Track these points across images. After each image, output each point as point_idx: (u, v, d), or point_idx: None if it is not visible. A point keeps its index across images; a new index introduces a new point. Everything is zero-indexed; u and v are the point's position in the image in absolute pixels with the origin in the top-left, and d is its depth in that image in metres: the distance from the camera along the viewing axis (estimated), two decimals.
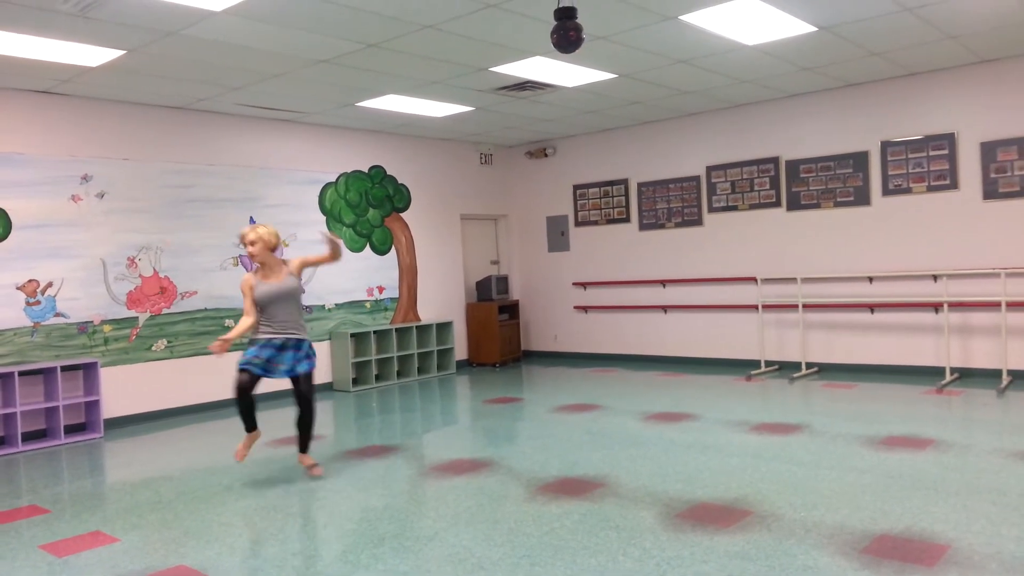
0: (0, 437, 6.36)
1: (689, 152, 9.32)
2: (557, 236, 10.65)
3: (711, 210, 9.17)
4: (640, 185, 9.77)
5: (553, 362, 10.32)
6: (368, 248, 9.29)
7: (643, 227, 9.76)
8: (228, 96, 7.22)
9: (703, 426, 5.98)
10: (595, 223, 10.23)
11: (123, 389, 7.06)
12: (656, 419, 6.31)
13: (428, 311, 9.93)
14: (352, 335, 8.77)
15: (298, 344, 4.97)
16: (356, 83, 6.97)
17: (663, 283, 9.57)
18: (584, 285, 10.34)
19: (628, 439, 5.67)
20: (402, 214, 9.69)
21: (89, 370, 6.78)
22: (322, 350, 8.76)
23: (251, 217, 8.15)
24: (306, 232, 8.64)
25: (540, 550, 3.55)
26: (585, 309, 10.35)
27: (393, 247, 9.57)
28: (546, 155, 10.62)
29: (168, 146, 7.54)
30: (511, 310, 10.48)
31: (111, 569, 3.60)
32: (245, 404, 4.90)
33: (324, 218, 8.83)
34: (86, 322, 6.92)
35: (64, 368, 6.65)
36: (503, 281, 10.49)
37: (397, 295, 9.60)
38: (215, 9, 4.94)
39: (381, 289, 9.43)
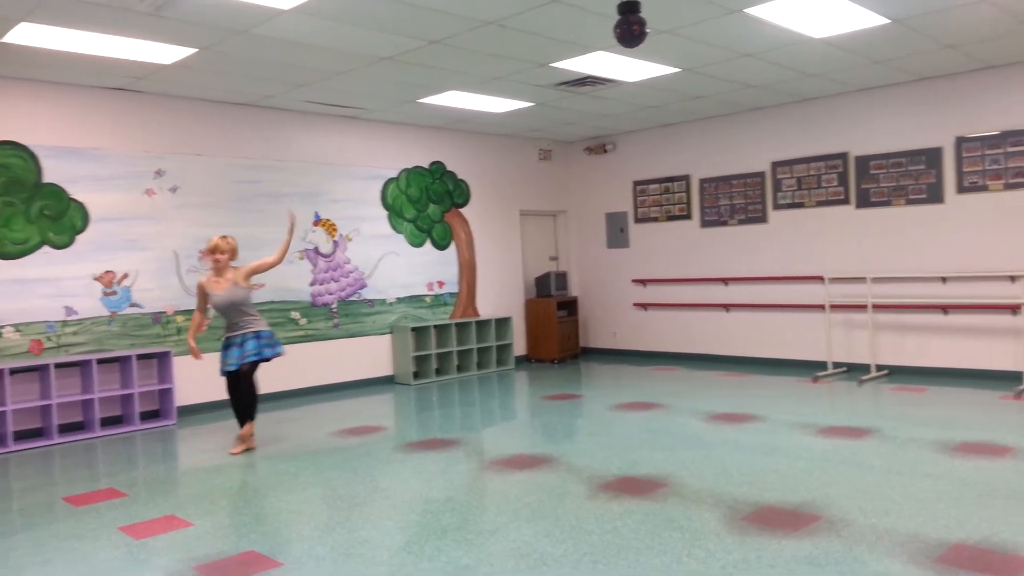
0: (79, 422, 6.64)
1: (753, 147, 9.14)
2: (616, 232, 10.58)
3: (776, 207, 8.98)
4: (702, 181, 9.62)
5: (612, 359, 10.27)
6: (428, 243, 9.38)
7: (705, 224, 9.62)
8: (294, 93, 7.37)
9: (768, 428, 5.87)
10: (655, 220, 10.13)
11: (194, 378, 7.29)
12: (719, 419, 6.22)
13: (487, 306, 9.98)
14: (413, 329, 8.87)
15: (257, 334, 5.77)
16: (418, 80, 7.04)
17: (725, 281, 9.42)
18: (644, 282, 10.25)
19: (690, 439, 5.61)
20: (462, 210, 9.75)
21: (163, 359, 7.02)
22: (383, 343, 8.89)
23: (316, 212, 8.32)
24: (369, 227, 8.77)
25: (602, 548, 3.54)
26: (645, 306, 10.26)
27: (453, 242, 9.64)
28: (605, 151, 10.55)
29: (237, 142, 7.74)
30: (570, 306, 10.45)
31: (186, 552, 3.72)
32: (236, 402, 5.78)
33: (386, 213, 8.95)
34: (160, 312, 7.16)
35: (139, 356, 6.90)
36: (562, 277, 10.47)
37: (457, 290, 9.67)
38: (283, 8, 5.05)
39: (441, 284, 9.51)
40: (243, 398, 5.78)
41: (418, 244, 9.28)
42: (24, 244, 6.42)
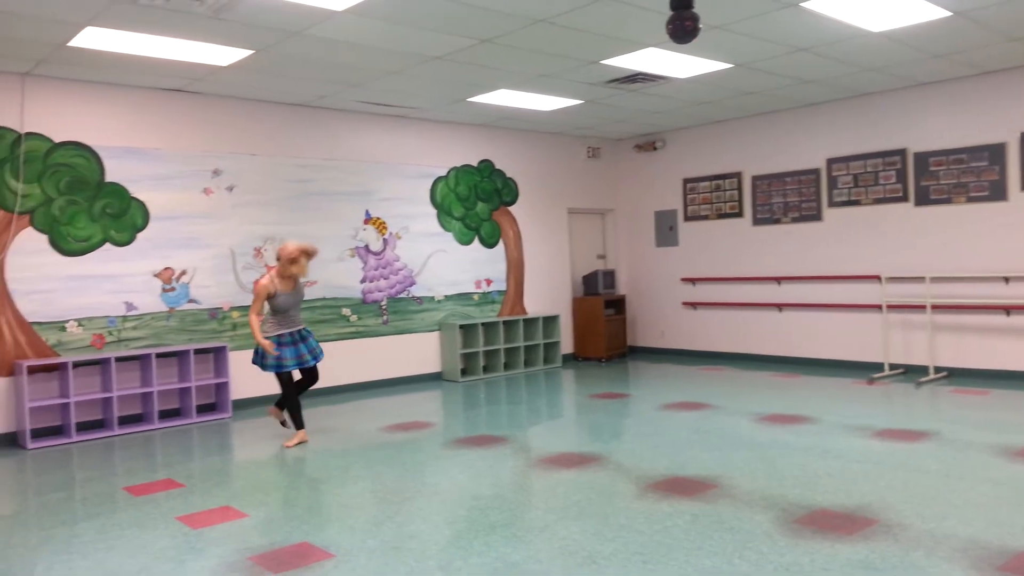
0: (139, 414, 6.85)
1: (808, 144, 8.96)
2: (665, 231, 10.48)
3: (831, 204, 8.79)
4: (755, 179, 9.47)
5: (660, 358, 10.18)
6: (477, 241, 9.43)
7: (757, 222, 9.47)
8: (347, 93, 7.48)
9: (822, 430, 5.76)
10: (705, 218, 10.00)
11: (249, 372, 7.44)
12: (771, 421, 6.13)
13: (535, 304, 9.98)
14: (461, 327, 8.93)
15: (305, 333, 5.98)
16: (468, 78, 7.08)
17: (778, 280, 9.26)
18: (693, 281, 10.13)
19: (741, 440, 5.53)
20: (510, 208, 9.77)
21: (219, 354, 7.20)
22: (431, 340, 8.96)
23: (367, 211, 8.42)
24: (418, 225, 8.85)
25: (652, 548, 3.52)
26: (694, 305, 10.15)
27: (501, 240, 9.67)
28: (655, 148, 10.46)
29: (291, 142, 7.89)
30: (617, 305, 10.39)
31: (241, 542, 3.81)
32: (288, 395, 5.92)
33: (435, 211, 9.02)
34: (216, 308, 7.34)
35: (196, 351, 7.08)
36: (609, 275, 10.42)
37: (504, 288, 9.70)
38: (337, 9, 5.12)
39: (489, 282, 9.55)
40: (298, 392, 5.94)
41: (466, 242, 9.33)
42: (87, 241, 6.65)
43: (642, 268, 10.80)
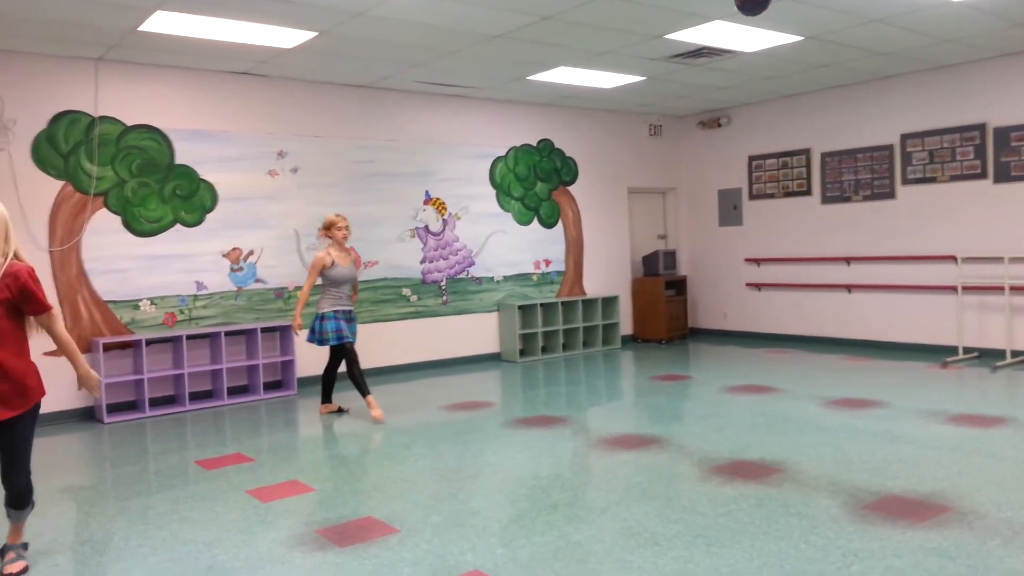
0: (209, 391, 7.06)
1: (881, 119, 8.63)
2: (729, 210, 10.26)
3: (905, 182, 8.46)
4: (824, 155, 9.18)
5: (722, 341, 10.01)
6: (536, 221, 9.39)
7: (826, 200, 9.19)
8: (408, 74, 7.50)
9: (892, 414, 5.58)
10: (771, 196, 9.75)
11: (313, 351, 7.60)
12: (838, 405, 5.96)
13: (594, 285, 9.92)
14: (519, 307, 8.93)
15: (352, 316, 6.18)
16: (529, 56, 7.02)
17: (847, 260, 8.98)
18: (758, 261, 9.91)
19: (807, 424, 5.40)
20: (569, 187, 9.70)
21: (284, 332, 7.36)
22: (490, 321, 9.00)
23: (426, 191, 8.47)
24: (477, 205, 8.86)
25: (716, 531, 3.47)
26: (758, 286, 9.93)
27: (560, 220, 9.62)
28: (720, 125, 10.22)
29: (353, 123, 7.97)
30: (678, 286, 10.25)
31: (308, 516, 3.90)
32: (330, 373, 6.30)
33: (494, 192, 9.01)
34: (281, 288, 7.50)
35: (263, 330, 7.26)
36: (670, 256, 10.27)
37: (563, 268, 9.65)
38: None
39: (548, 262, 9.51)
40: (356, 370, 6.05)
41: (525, 222, 9.31)
42: (159, 222, 6.85)
43: (704, 248, 10.61)
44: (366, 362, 7.97)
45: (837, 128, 9.02)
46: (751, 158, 9.94)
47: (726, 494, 3.96)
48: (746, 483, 4.13)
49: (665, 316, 9.93)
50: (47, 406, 6.31)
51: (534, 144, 9.38)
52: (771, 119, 9.68)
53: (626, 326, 10.17)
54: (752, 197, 9.97)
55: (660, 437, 5.17)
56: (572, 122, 9.69)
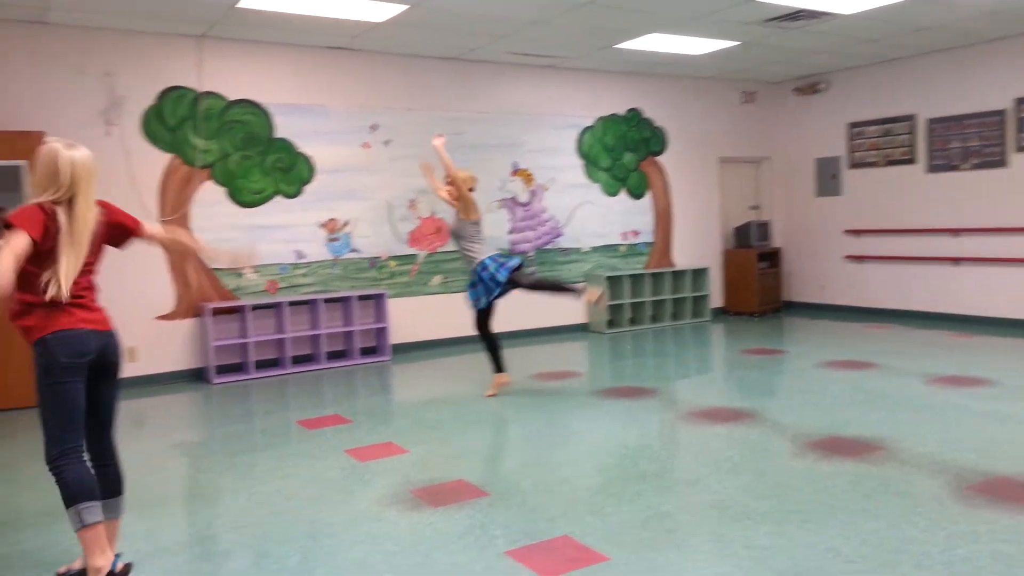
0: (308, 355, 7.36)
1: (992, 83, 8.10)
2: (827, 179, 9.88)
3: (1019, 149, 7.94)
4: (930, 122, 8.70)
5: (818, 314, 9.71)
6: (624, 192, 9.29)
7: (932, 169, 8.73)
8: (496, 44, 7.50)
9: (1002, 393, 5.31)
10: (872, 164, 9.33)
11: (405, 318, 7.81)
12: (943, 382, 5.72)
13: (683, 257, 9.76)
14: (607, 278, 8.89)
15: (480, 268, 5.63)
16: (617, 24, 6.90)
17: (954, 232, 8.53)
18: (857, 232, 9.53)
19: (909, 402, 5.21)
20: (658, 158, 9.54)
21: (378, 300, 7.58)
22: None
23: (514, 163, 8.49)
24: (565, 176, 8.83)
25: (811, 507, 3.41)
26: (858, 259, 9.55)
27: (648, 191, 9.48)
28: (817, 91, 9.82)
29: (443, 96, 8.04)
30: (772, 258, 9.97)
31: (403, 476, 4.05)
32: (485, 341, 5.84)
33: (582, 162, 8.95)
34: (375, 257, 7.71)
35: (359, 297, 7.49)
36: (764, 227, 9.99)
37: (652, 240, 9.54)
38: None
39: (636, 233, 9.42)
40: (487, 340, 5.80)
41: (613, 193, 9.22)
42: (260, 194, 7.13)
43: (800, 219, 10.27)
44: (457, 332, 8.12)
45: (944, 93, 8.52)
46: (851, 125, 9.52)
47: (822, 471, 3.88)
48: (843, 460, 4.03)
49: (758, 289, 9.70)
50: (160, 366, 6.73)
51: (622, 114, 9.25)
52: (872, 84, 9.23)
53: (716, 299, 9.99)
54: (852, 166, 9.56)
55: (752, 411, 5.09)
56: (662, 91, 9.49)
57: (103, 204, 2.94)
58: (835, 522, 3.23)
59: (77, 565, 2.95)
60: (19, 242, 2.62)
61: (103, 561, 2.70)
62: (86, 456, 2.87)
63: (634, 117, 9.33)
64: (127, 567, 2.72)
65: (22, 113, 6.13)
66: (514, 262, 5.59)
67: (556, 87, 8.76)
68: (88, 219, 2.79)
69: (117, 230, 3.00)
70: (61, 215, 2.74)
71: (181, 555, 3.18)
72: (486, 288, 5.56)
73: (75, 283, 2.78)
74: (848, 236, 9.65)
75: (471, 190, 5.73)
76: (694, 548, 3.03)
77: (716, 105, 9.91)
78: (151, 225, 3.16)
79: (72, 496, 2.72)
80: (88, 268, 2.86)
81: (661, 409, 5.26)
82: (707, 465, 4.03)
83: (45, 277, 2.71)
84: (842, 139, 9.64)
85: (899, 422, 4.70)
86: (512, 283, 5.53)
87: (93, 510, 2.74)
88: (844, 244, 9.70)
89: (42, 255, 2.71)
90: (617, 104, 9.20)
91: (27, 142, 5.84)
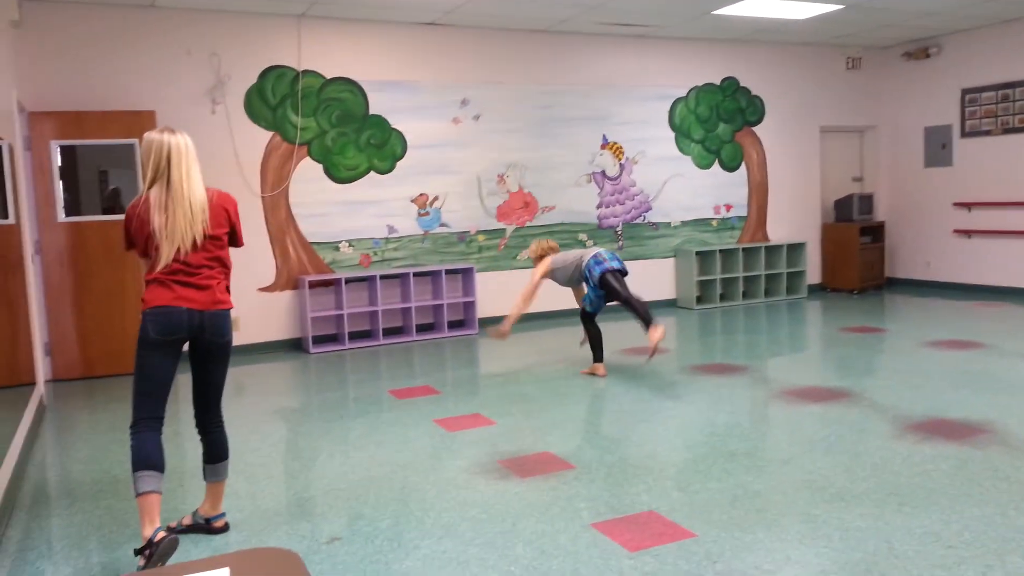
0: (399, 327, 7.55)
1: None
2: (937, 149, 9.34)
3: None
4: None
5: (923, 292, 9.25)
6: (716, 164, 9.06)
7: None
8: (587, 15, 7.40)
9: None
10: (987, 133, 8.76)
11: (493, 292, 7.89)
12: None
13: (778, 231, 9.46)
14: (697, 253, 8.72)
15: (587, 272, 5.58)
16: None
17: None
18: (968, 206, 8.99)
19: (1020, 384, 4.92)
20: (754, 128, 9.24)
21: (467, 274, 7.69)
22: (666, 267, 8.87)
23: (603, 135, 8.40)
24: (655, 149, 8.68)
25: (910, 491, 3.28)
26: (968, 233, 9.03)
27: (743, 163, 9.21)
28: (928, 55, 9.26)
29: (532, 69, 8.02)
30: (875, 232, 9.54)
31: (491, 447, 4.12)
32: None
33: (673, 134, 8.77)
34: (464, 232, 7.81)
35: (447, 271, 7.62)
36: (867, 200, 9.55)
37: (745, 214, 9.28)
38: None
39: (729, 207, 9.18)
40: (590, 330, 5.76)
41: (705, 166, 9.00)
42: (355, 170, 7.32)
43: (906, 191, 9.77)
44: (543, 306, 8.14)
45: None
46: (964, 91, 8.95)
47: (923, 453, 3.72)
48: (946, 443, 3.85)
49: (858, 264, 9.31)
50: (262, 336, 7.04)
51: (717, 83, 8.98)
52: (990, 47, 8.63)
53: (814, 275, 9.65)
54: (965, 134, 9.00)
55: (849, 391, 4.92)
56: (760, 58, 9.16)
57: (227, 198, 3.06)
58: (935, 507, 3.10)
59: (186, 521, 3.15)
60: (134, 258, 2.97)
61: (147, 530, 2.78)
62: (164, 428, 2.98)
63: (730, 86, 9.05)
64: (173, 541, 2.78)
65: (134, 94, 6.48)
66: (613, 264, 5.44)
67: (648, 57, 8.59)
68: (188, 196, 2.90)
69: (231, 232, 3.09)
70: (157, 196, 2.89)
71: (280, 515, 3.35)
72: (595, 293, 5.53)
73: (188, 261, 2.92)
74: (958, 209, 9.11)
75: (541, 257, 5.78)
76: (784, 528, 2.97)
77: (818, 72, 9.50)
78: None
79: (133, 463, 2.86)
80: (206, 247, 2.96)
81: (752, 387, 5.16)
82: (800, 444, 3.94)
83: (156, 251, 2.88)
84: (954, 106, 9.08)
85: (1008, 405, 4.44)
86: (606, 283, 5.41)
87: (146, 479, 2.82)
88: (953, 218, 9.18)
89: (149, 237, 2.89)
90: (712, 73, 8.95)
91: (139, 122, 6.19)
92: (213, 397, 3.13)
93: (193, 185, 2.93)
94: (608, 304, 5.64)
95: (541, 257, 5.80)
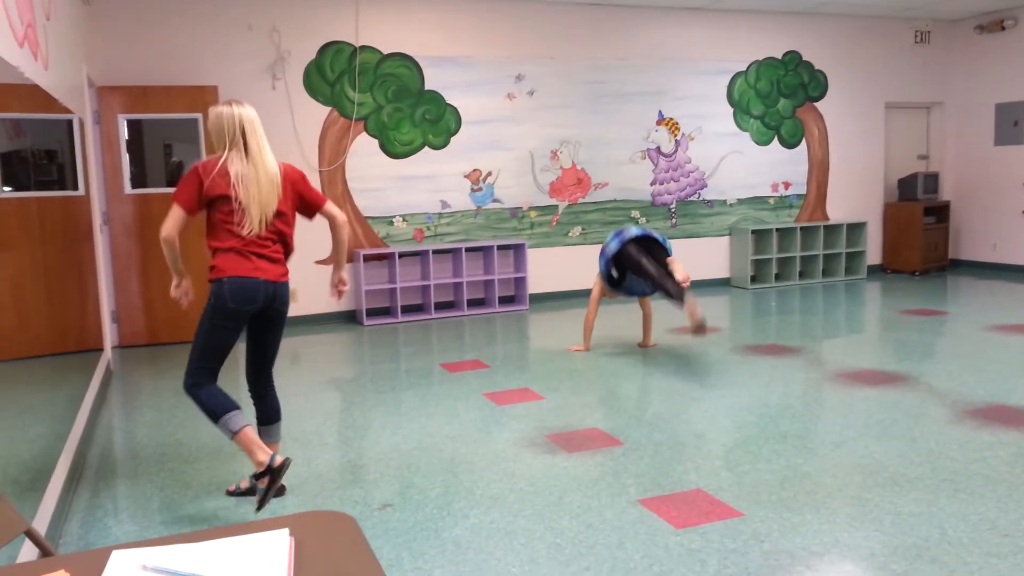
0: (451, 301, 7.63)
1: None
2: (1009, 126, 8.96)
3: None
4: None
5: (989, 274, 8.94)
6: (776, 141, 8.86)
7: None
8: None
9: None
10: None
11: (543, 269, 7.91)
12: None
13: (838, 210, 9.23)
14: (753, 232, 8.57)
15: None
16: None
17: None
18: None
19: None
20: (816, 104, 8.99)
21: (518, 250, 7.72)
22: (721, 245, 8.75)
23: (659, 111, 8.28)
24: (712, 125, 8.53)
25: (967, 477, 3.21)
26: None
27: (804, 140, 8.99)
28: (1003, 28, 8.86)
29: (587, 44, 7.93)
30: (939, 212, 9.23)
31: (539, 421, 4.16)
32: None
33: (731, 110, 8.60)
34: (516, 208, 7.82)
35: (499, 247, 7.65)
36: (932, 179, 9.24)
37: (804, 192, 9.07)
38: None
39: (787, 185, 8.98)
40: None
41: (764, 142, 8.81)
42: (410, 145, 7.38)
43: (974, 170, 9.41)
44: (593, 283, 8.13)
45: None
46: None
47: (981, 439, 3.63)
48: (1006, 429, 3.75)
49: (921, 245, 9.03)
50: (317, 307, 7.20)
51: (779, 57, 8.76)
52: None
53: (874, 255, 9.41)
54: None
55: (907, 375, 4.82)
56: (824, 31, 8.89)
57: (293, 170, 3.15)
58: (992, 494, 3.04)
59: (244, 484, 3.27)
60: (175, 214, 2.97)
61: (263, 456, 2.99)
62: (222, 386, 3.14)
63: (792, 60, 8.82)
64: (285, 461, 2.97)
65: (197, 69, 6.64)
66: (633, 233, 5.32)
67: (706, 30, 8.42)
68: (266, 166, 3.01)
69: (303, 201, 3.19)
70: (234, 164, 2.98)
71: (334, 481, 3.45)
72: (604, 259, 5.46)
73: (261, 233, 3.01)
74: None
75: None
76: (834, 510, 2.95)
77: (884, 46, 9.18)
78: (334, 208, 3.27)
79: (214, 412, 3.02)
80: (278, 221, 3.07)
81: (806, 368, 5.08)
82: (853, 428, 3.88)
83: (236, 220, 2.97)
84: None
85: None
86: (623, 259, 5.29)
87: (236, 417, 3.01)
88: (1023, 198, 8.83)
89: (223, 204, 2.96)
90: (773, 47, 8.73)
91: (203, 96, 6.35)
92: (269, 362, 3.26)
93: (267, 157, 3.03)
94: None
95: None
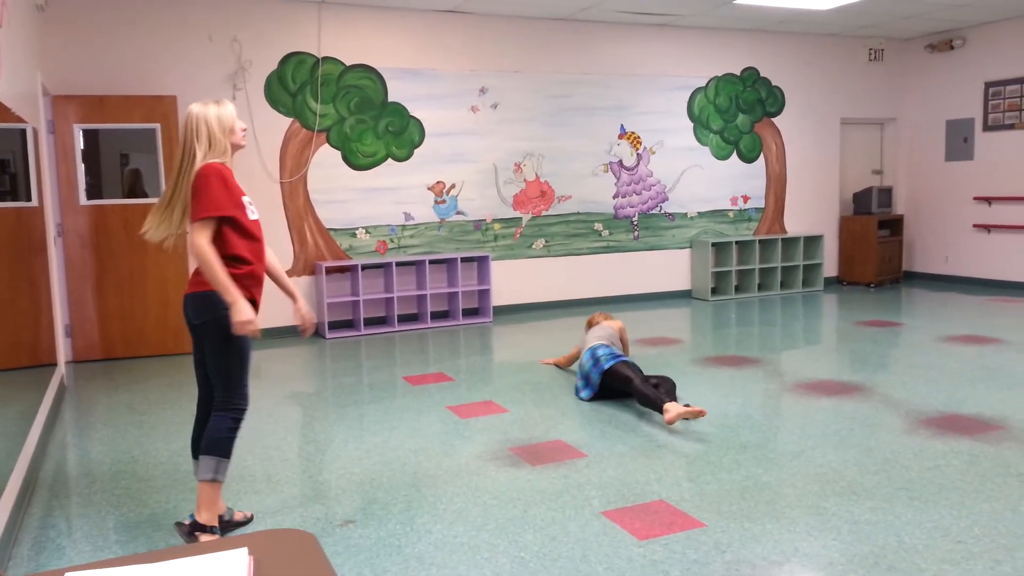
0: (414, 314, 7.60)
1: None
2: (958, 143, 9.25)
3: None
4: None
5: (941, 286, 9.19)
6: (735, 155, 9.01)
7: None
8: (608, 4, 7.37)
9: None
10: (1011, 127, 8.66)
11: (507, 281, 7.93)
12: None
13: (796, 223, 9.41)
14: (713, 244, 8.70)
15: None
16: None
17: None
18: (989, 200, 8.90)
19: None
20: (774, 119, 9.18)
21: (482, 262, 7.72)
22: (682, 257, 8.86)
23: (621, 125, 8.38)
24: (673, 139, 8.65)
25: (921, 485, 3.29)
26: (988, 228, 8.94)
27: (762, 154, 9.16)
28: (952, 47, 9.15)
29: (551, 58, 8.00)
30: (893, 225, 9.47)
31: (503, 434, 4.16)
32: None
33: (692, 125, 8.73)
34: (480, 220, 7.83)
35: (463, 259, 7.65)
36: (886, 193, 9.48)
37: (763, 205, 9.23)
38: None
39: (746, 198, 9.14)
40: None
41: (724, 156, 8.96)
42: (373, 157, 7.35)
43: (926, 185, 9.68)
44: (558, 295, 8.19)
45: None
46: (988, 84, 8.84)
47: (935, 448, 3.72)
48: (959, 438, 3.85)
49: (876, 258, 9.25)
50: (278, 320, 7.11)
51: (737, 73, 8.93)
52: (1015, 39, 8.51)
53: (830, 267, 9.61)
54: (987, 128, 8.90)
55: (863, 385, 4.92)
56: (781, 48, 9.09)
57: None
58: (946, 501, 3.11)
59: (240, 517, 3.17)
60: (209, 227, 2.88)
61: (221, 510, 2.98)
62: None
63: (750, 76, 9.00)
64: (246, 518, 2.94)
65: (156, 79, 6.54)
66: (611, 363, 4.66)
67: (668, 47, 8.55)
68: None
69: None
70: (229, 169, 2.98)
71: (295, 497, 3.40)
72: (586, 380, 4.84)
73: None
74: (978, 203, 9.03)
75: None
76: (793, 520, 2.99)
77: (839, 63, 9.42)
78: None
79: (231, 449, 2.95)
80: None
81: (765, 379, 5.16)
82: (811, 438, 3.95)
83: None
84: (977, 99, 8.98)
85: (1021, 401, 4.43)
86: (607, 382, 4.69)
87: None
88: (973, 212, 9.10)
89: (241, 216, 2.98)
90: (733, 63, 8.89)
91: (161, 106, 6.26)
92: (213, 383, 3.13)
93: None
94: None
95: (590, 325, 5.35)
